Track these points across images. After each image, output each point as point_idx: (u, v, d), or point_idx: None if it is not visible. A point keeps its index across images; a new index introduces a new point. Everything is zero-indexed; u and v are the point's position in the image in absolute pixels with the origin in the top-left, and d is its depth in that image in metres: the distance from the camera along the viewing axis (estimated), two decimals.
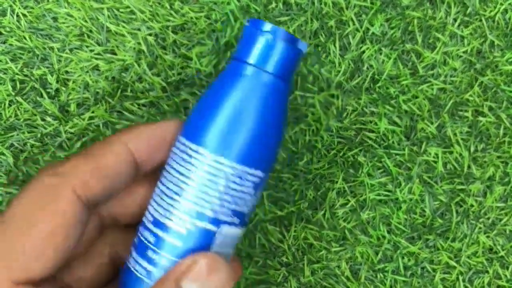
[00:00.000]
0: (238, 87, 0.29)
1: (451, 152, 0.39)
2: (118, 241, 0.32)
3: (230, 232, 0.29)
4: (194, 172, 0.28)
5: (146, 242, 0.29)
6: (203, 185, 0.28)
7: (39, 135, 0.39)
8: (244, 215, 0.30)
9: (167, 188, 0.29)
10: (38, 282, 0.26)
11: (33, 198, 0.27)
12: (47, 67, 0.39)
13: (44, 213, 0.26)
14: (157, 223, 0.29)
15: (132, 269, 0.30)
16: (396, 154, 0.39)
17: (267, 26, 0.29)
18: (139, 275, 0.29)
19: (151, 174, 0.32)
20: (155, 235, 0.29)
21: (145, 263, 0.29)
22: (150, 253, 0.29)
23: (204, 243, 0.29)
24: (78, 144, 0.38)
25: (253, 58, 0.29)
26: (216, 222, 0.29)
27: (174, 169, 0.29)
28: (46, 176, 0.27)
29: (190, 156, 0.29)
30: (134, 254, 0.30)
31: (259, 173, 0.29)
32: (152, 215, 0.30)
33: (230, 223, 0.29)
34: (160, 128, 0.30)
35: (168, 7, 0.38)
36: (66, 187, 0.27)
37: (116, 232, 0.32)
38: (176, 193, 0.29)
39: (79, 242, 0.30)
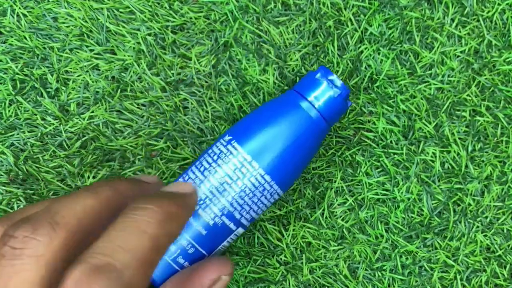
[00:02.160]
0: (296, 121, 0.33)
1: (448, 152, 0.39)
2: None
3: (239, 233, 0.34)
4: (241, 179, 0.32)
5: None
6: (244, 192, 0.33)
7: (39, 135, 0.39)
8: (254, 220, 0.35)
9: (209, 182, 0.33)
10: None
11: None
12: (47, 67, 0.39)
13: None
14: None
15: None
16: (394, 154, 0.39)
17: (337, 81, 0.34)
18: None
19: None
20: None
21: None
22: None
23: (222, 238, 0.33)
24: (78, 143, 0.39)
25: (315, 99, 0.34)
26: (238, 223, 0.33)
27: (222, 169, 0.33)
28: None
29: (242, 164, 0.33)
30: None
31: (281, 193, 0.34)
32: None
33: (244, 226, 0.34)
34: (147, 187, 0.31)
35: (168, 7, 0.39)
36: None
37: None
38: (218, 190, 0.33)
39: None
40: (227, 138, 0.33)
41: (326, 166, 0.39)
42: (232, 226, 0.33)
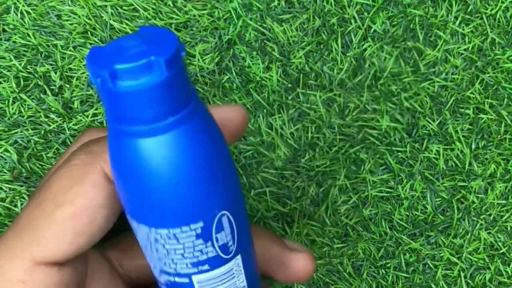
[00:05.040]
0: (118, 152, 0.23)
1: (452, 149, 0.39)
2: None
3: (207, 277, 0.27)
4: (140, 241, 0.27)
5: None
6: (149, 250, 0.27)
7: (42, 132, 0.39)
8: (210, 259, 0.26)
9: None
10: (63, 262, 0.26)
11: (65, 176, 0.25)
12: (51, 64, 0.39)
13: (69, 194, 0.25)
14: (154, 276, 0.29)
15: None
16: (398, 151, 0.39)
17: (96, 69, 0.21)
18: None
19: None
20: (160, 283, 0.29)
21: None
22: None
23: None
24: None
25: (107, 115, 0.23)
26: (182, 275, 0.27)
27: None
28: (80, 152, 0.26)
29: (135, 228, 0.26)
30: None
31: (192, 226, 0.25)
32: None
33: (198, 272, 0.26)
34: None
35: (171, 4, 0.39)
36: (95, 167, 0.25)
37: None
38: (145, 255, 0.28)
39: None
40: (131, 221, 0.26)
41: (330, 164, 0.39)
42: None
